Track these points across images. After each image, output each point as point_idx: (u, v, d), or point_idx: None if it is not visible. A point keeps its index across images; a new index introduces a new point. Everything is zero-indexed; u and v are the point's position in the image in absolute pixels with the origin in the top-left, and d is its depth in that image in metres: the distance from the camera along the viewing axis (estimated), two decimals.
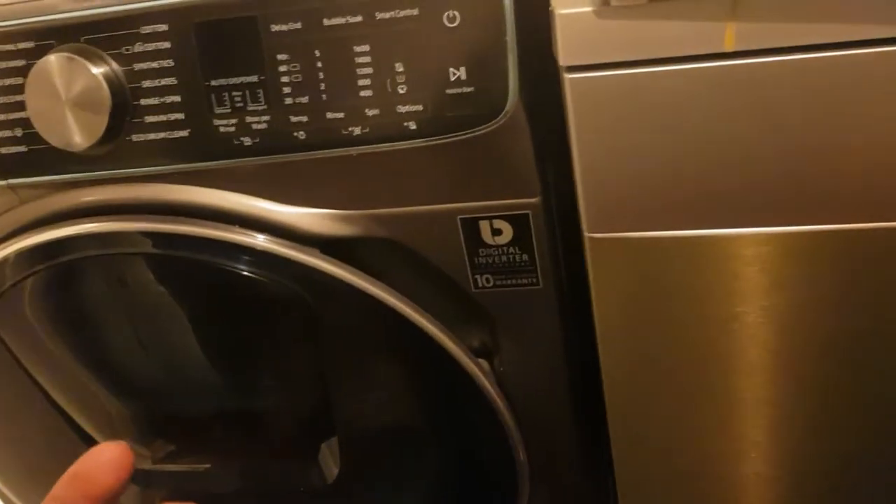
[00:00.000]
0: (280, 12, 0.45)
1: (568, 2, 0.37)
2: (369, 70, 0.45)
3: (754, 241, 0.40)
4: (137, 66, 0.48)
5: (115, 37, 0.47)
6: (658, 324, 0.44)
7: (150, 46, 0.47)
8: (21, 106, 0.49)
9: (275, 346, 0.57)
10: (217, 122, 0.48)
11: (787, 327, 0.43)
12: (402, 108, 0.45)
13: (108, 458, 0.30)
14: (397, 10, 0.43)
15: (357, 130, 0.46)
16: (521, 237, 0.50)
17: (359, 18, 0.44)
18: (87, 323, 0.59)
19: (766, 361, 0.44)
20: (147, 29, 0.47)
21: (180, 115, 0.48)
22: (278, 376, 0.59)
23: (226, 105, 0.47)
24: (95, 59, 0.47)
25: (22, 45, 0.48)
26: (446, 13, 0.43)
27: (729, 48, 0.36)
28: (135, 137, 0.49)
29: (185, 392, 0.62)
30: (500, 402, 0.56)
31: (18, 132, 0.51)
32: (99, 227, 0.53)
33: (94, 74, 0.47)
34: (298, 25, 0.45)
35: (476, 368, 0.54)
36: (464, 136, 0.46)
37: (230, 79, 0.47)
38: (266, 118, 0.47)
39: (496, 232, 0.50)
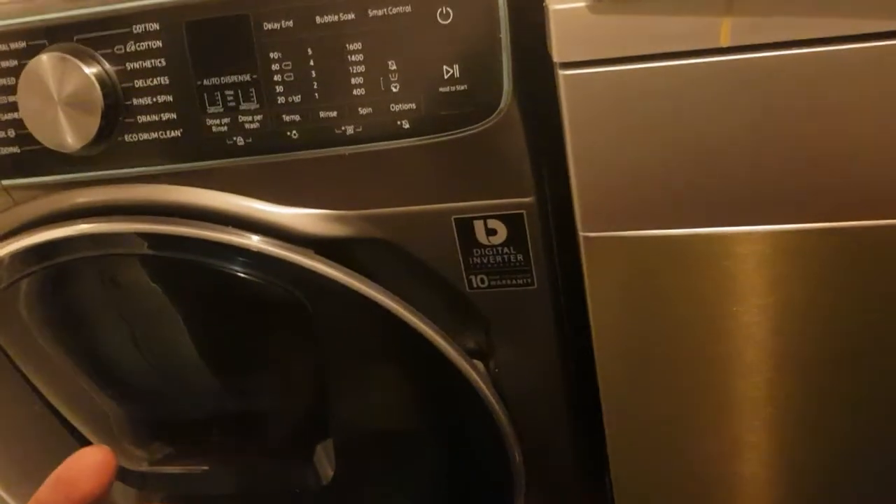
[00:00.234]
0: (272, 10, 0.45)
1: None
2: (362, 68, 0.45)
3: (749, 240, 0.40)
4: (129, 66, 0.47)
5: (106, 36, 0.47)
6: (653, 323, 0.44)
7: (142, 46, 0.47)
8: (14, 107, 0.49)
9: (269, 348, 0.57)
10: (209, 121, 0.48)
11: (782, 326, 0.42)
12: (395, 107, 0.45)
13: (90, 463, 0.30)
14: (390, 7, 0.43)
15: (350, 129, 0.46)
16: (516, 237, 0.49)
17: (351, 16, 0.44)
18: (83, 324, 0.59)
19: (762, 361, 0.44)
20: (139, 28, 0.47)
21: (172, 115, 0.48)
22: (273, 377, 0.59)
23: (218, 104, 0.47)
24: (87, 58, 0.47)
25: (14, 46, 0.48)
26: (439, 10, 0.43)
27: (724, 44, 0.36)
28: (127, 137, 0.49)
29: (181, 394, 0.62)
30: (495, 403, 0.55)
31: (11, 133, 0.51)
32: (93, 228, 0.52)
33: (86, 74, 0.47)
34: (290, 23, 0.45)
35: (471, 369, 0.54)
36: (457, 135, 0.45)
37: (222, 78, 0.47)
38: (259, 117, 0.47)
39: (490, 232, 0.49)
